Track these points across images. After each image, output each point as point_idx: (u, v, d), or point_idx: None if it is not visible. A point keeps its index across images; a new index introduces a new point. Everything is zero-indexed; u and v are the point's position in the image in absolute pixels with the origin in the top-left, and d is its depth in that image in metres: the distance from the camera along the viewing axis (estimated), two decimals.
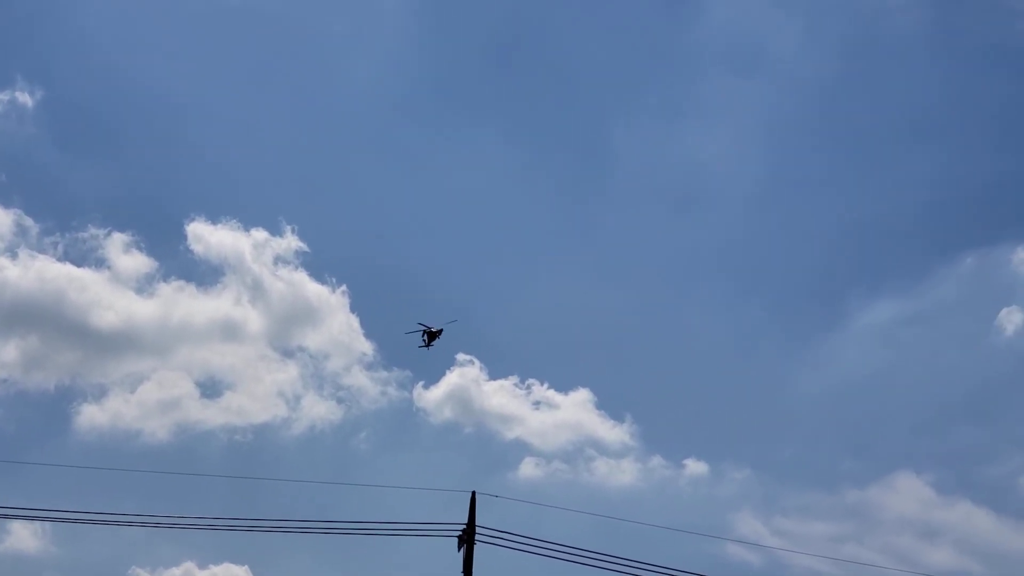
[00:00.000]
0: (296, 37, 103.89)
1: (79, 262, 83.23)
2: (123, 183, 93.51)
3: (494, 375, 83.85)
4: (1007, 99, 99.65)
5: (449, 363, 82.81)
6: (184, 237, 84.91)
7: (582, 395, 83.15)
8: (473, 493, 41.98)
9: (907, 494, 77.61)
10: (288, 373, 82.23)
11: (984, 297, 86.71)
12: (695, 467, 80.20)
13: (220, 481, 64.71)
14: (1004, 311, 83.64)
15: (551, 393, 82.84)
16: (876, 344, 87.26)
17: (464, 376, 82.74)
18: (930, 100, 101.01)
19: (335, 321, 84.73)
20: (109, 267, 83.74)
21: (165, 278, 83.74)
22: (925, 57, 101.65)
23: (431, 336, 67.96)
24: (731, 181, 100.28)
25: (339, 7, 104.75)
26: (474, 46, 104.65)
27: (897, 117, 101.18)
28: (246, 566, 66.89)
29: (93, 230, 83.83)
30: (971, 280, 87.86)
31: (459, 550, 41.53)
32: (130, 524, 43.34)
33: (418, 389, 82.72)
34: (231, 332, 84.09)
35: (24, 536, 71.85)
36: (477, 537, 41.66)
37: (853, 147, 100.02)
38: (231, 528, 43.71)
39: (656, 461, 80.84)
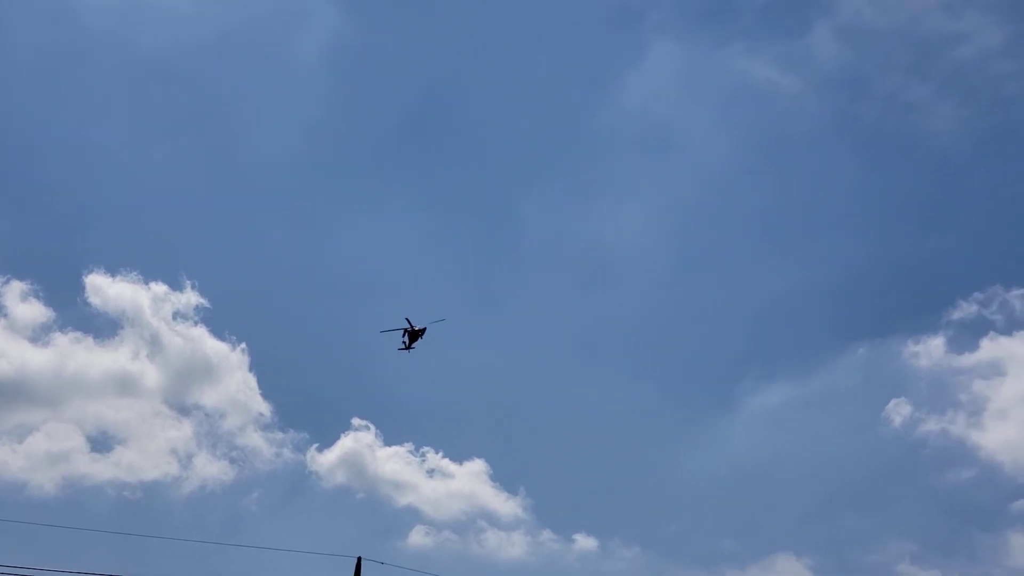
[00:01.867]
0: (210, 95, 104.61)
1: None
2: (24, 231, 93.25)
3: (389, 441, 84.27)
4: (905, 190, 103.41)
5: (344, 427, 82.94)
6: (82, 288, 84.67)
7: (477, 465, 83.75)
8: (359, 559, 42.29)
9: None
10: (182, 431, 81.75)
11: (874, 387, 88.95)
12: (584, 542, 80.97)
13: (107, 537, 63.77)
14: (893, 402, 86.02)
15: (446, 462, 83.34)
16: (766, 428, 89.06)
17: (359, 441, 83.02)
18: (830, 190, 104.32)
19: (233, 379, 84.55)
20: (5, 315, 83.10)
21: (61, 328, 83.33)
22: (826, 148, 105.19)
23: (412, 336, 67.03)
24: (635, 260, 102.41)
25: (256, 68, 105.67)
26: (390, 113, 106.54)
27: (798, 205, 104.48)
28: None
29: None
30: (862, 369, 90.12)
31: None
32: None
33: (312, 452, 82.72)
34: (126, 386, 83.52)
35: None
36: None
37: (755, 232, 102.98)
38: None
39: (546, 535, 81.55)
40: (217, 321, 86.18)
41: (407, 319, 67.62)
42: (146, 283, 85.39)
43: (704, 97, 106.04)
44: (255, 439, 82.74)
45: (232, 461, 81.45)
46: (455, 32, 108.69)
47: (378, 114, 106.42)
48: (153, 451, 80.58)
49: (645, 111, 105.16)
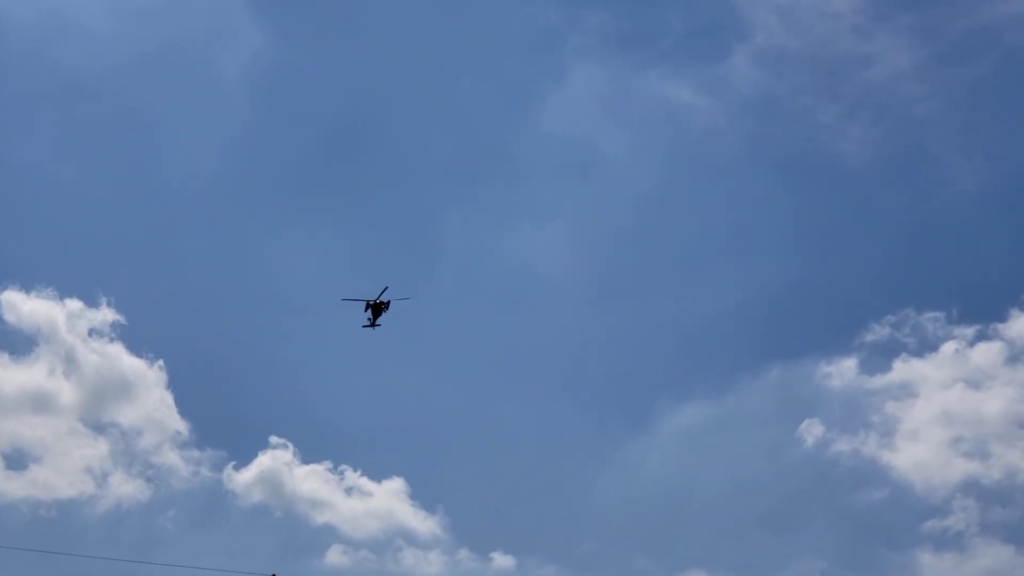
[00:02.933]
0: (131, 111, 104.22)
1: None
2: None
3: (307, 459, 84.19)
4: (818, 212, 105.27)
5: (262, 445, 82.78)
6: None
7: (396, 484, 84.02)
8: None
9: None
10: (98, 449, 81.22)
11: (787, 408, 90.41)
12: (502, 560, 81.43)
13: (21, 555, 63.38)
14: (805, 422, 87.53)
15: (364, 480, 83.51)
16: (681, 447, 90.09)
17: (276, 459, 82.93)
18: (747, 213, 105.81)
19: (150, 397, 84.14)
20: None
21: None
22: (743, 171, 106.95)
23: (376, 310, 65.52)
24: (555, 281, 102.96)
25: (177, 86, 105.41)
26: (311, 132, 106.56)
27: (716, 227, 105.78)
28: None
29: None
30: (776, 390, 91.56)
31: None
32: None
33: (228, 470, 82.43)
34: (42, 404, 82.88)
35: None
36: None
37: (673, 254, 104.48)
38: None
39: (464, 554, 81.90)
40: (134, 338, 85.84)
41: (370, 300, 66.22)
42: (61, 299, 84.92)
43: (625, 120, 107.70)
44: (172, 457, 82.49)
45: (148, 480, 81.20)
46: (377, 52, 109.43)
47: (300, 133, 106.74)
48: (68, 469, 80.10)
49: (566, 134, 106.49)
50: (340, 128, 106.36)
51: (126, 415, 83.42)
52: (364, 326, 66.42)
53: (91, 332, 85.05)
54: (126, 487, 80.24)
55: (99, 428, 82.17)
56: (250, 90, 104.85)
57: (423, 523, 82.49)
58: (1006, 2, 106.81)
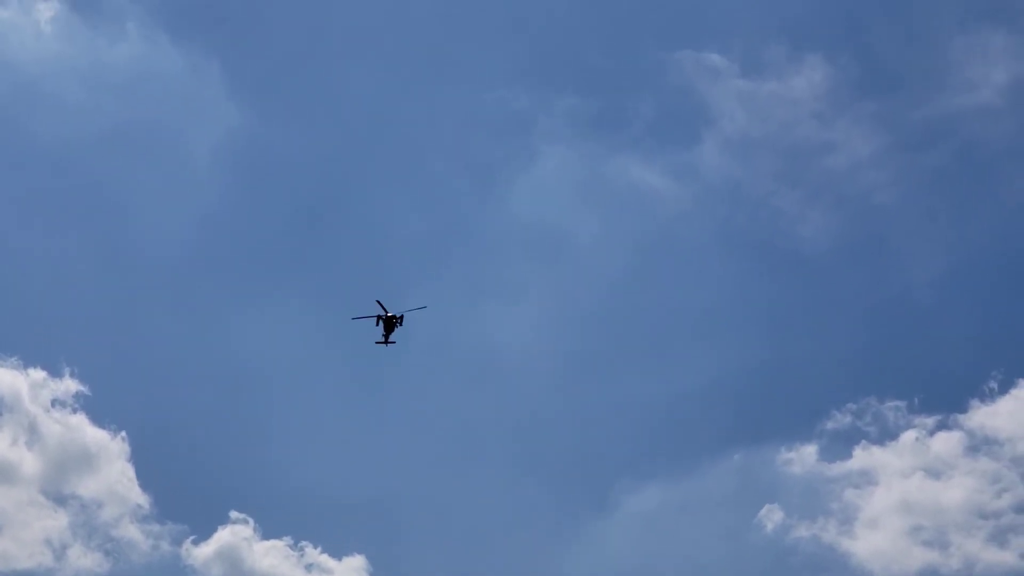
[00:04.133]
0: (102, 184, 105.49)
1: None
2: None
3: (267, 535, 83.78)
4: (783, 299, 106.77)
5: (222, 520, 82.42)
6: None
7: (357, 561, 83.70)
8: None
9: None
10: (58, 521, 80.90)
11: (748, 493, 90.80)
12: None
13: None
14: (766, 508, 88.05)
15: (324, 557, 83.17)
16: (642, 530, 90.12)
17: (236, 534, 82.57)
18: (713, 298, 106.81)
19: (112, 469, 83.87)
20: None
21: None
22: (710, 256, 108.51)
23: (388, 325, 62.71)
24: (521, 362, 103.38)
25: (149, 160, 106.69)
26: (281, 209, 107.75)
27: (682, 312, 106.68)
28: None
29: None
30: (737, 475, 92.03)
31: None
32: None
33: (187, 544, 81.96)
34: (3, 474, 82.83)
35: None
36: None
37: (639, 338, 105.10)
38: None
39: None
40: (97, 409, 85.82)
41: (378, 302, 63.11)
42: (25, 369, 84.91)
43: (594, 204, 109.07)
44: (131, 531, 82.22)
45: (107, 553, 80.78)
46: (351, 131, 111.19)
47: (271, 209, 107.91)
48: (28, 540, 79.71)
49: (536, 216, 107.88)
50: (311, 206, 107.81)
51: (87, 487, 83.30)
52: (377, 343, 63.87)
53: (54, 402, 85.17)
54: (84, 560, 79.86)
55: (60, 500, 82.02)
56: (223, 166, 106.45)
57: None
58: (965, 94, 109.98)
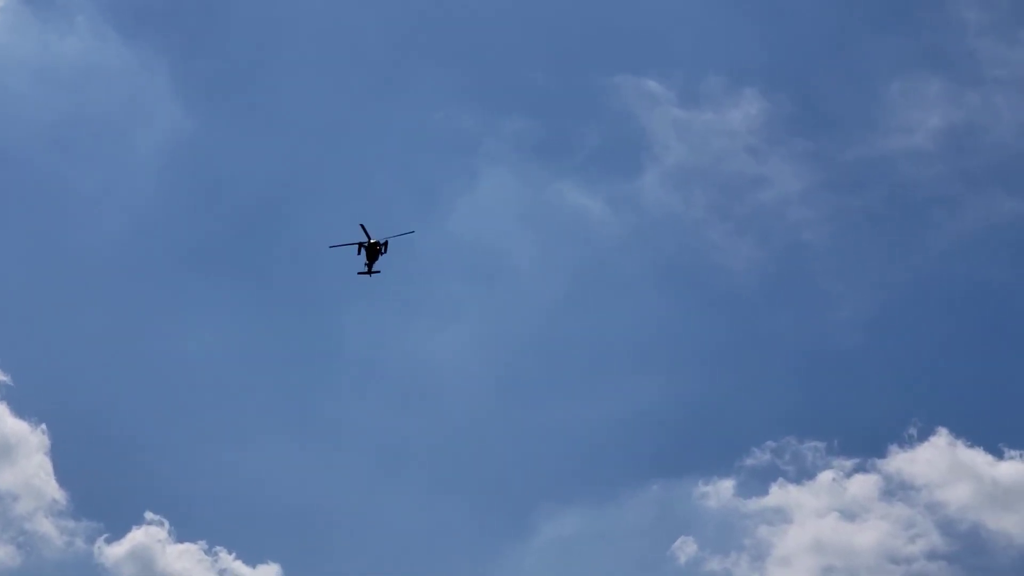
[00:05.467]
0: (40, 178, 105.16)
1: None
2: None
3: (181, 537, 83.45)
4: (710, 333, 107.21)
5: (137, 520, 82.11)
6: None
7: (271, 569, 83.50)
8: None
9: None
10: None
11: (664, 524, 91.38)
12: None
13: None
14: (680, 540, 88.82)
15: (238, 564, 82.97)
16: (558, 555, 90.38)
17: (150, 535, 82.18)
18: (644, 328, 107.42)
19: (30, 462, 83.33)
20: None
21: None
22: (644, 286, 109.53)
23: (371, 253, 59.49)
24: (452, 382, 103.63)
25: (92, 156, 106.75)
26: (219, 214, 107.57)
27: (613, 341, 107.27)
28: None
29: None
30: (654, 506, 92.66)
31: None
32: None
33: (100, 543, 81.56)
34: None
35: None
36: None
37: (569, 365, 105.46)
38: None
39: None
40: (18, 399, 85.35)
41: (362, 226, 59.13)
42: None
43: (534, 229, 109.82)
44: (46, 526, 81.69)
45: (19, 547, 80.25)
46: (294, 141, 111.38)
47: (208, 213, 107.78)
48: None
49: (475, 237, 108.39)
50: (251, 213, 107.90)
51: (3, 479, 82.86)
52: (360, 273, 60.73)
53: None
54: None
55: None
56: (165, 166, 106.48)
57: None
58: (899, 137, 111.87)
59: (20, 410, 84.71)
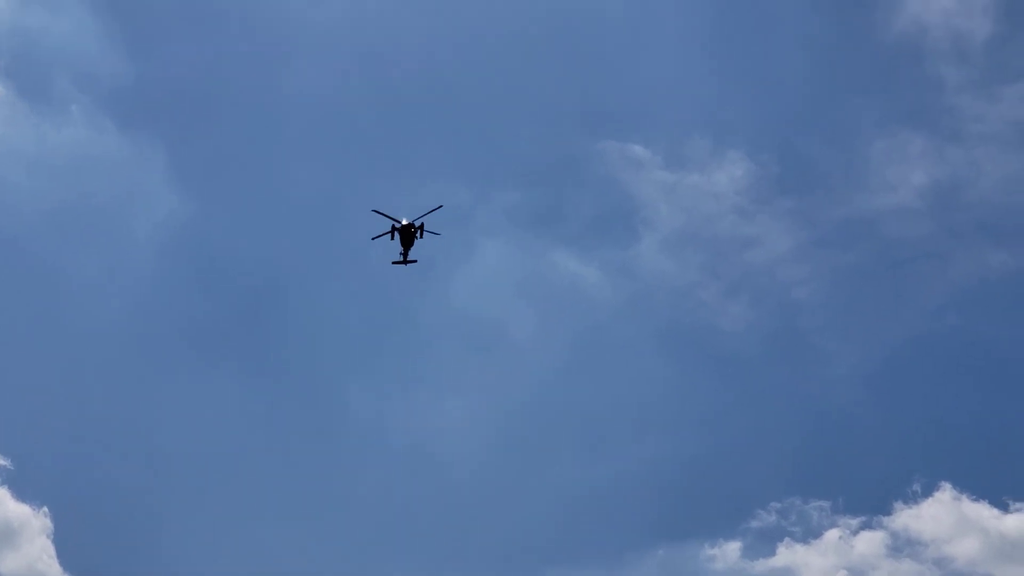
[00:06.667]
0: (40, 264, 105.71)
1: None
2: None
3: None
4: (713, 397, 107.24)
5: None
6: None
7: None
8: None
9: None
10: None
11: None
12: None
13: None
14: None
15: None
16: None
17: None
18: (645, 393, 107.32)
19: (33, 546, 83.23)
20: None
21: None
22: (640, 353, 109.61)
23: (406, 237, 54.42)
24: (454, 451, 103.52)
25: (90, 242, 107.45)
26: (220, 294, 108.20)
27: (614, 406, 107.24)
28: None
29: None
30: (660, 570, 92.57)
31: None
32: None
33: None
34: None
35: None
36: None
37: (570, 431, 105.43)
38: None
39: None
40: (20, 483, 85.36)
41: (377, 211, 52.78)
42: None
43: (532, 299, 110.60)
44: None
45: None
46: (291, 220, 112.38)
47: (206, 296, 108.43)
48: None
49: (473, 309, 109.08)
50: (249, 294, 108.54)
51: (6, 563, 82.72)
52: (395, 263, 56.19)
53: None
54: None
55: None
56: (161, 252, 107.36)
57: None
58: (883, 193, 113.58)
59: (22, 494, 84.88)
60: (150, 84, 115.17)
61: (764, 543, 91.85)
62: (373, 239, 58.04)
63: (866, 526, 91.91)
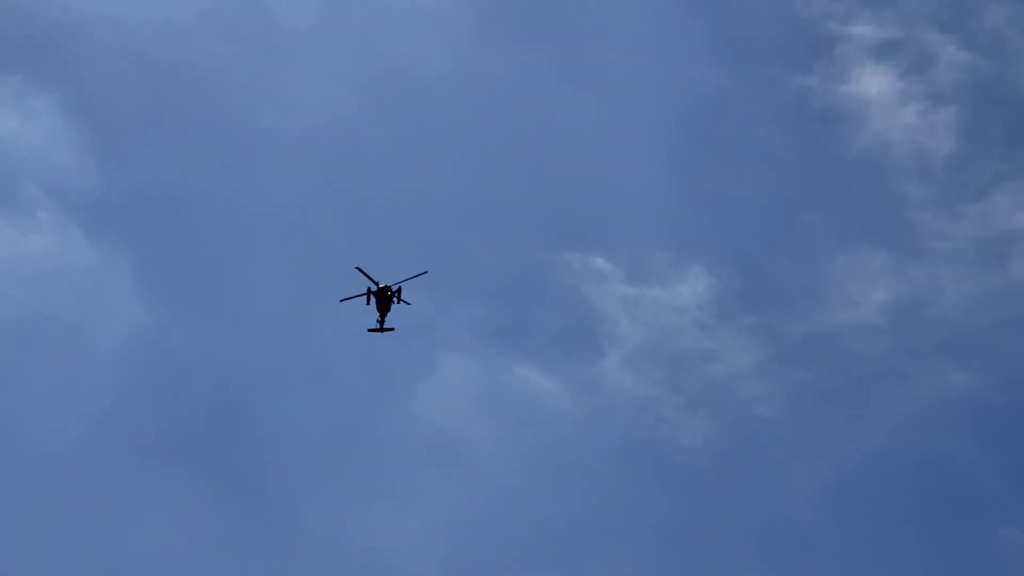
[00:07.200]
0: (2, 375, 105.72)
1: None
2: None
3: None
4: (673, 516, 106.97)
5: None
6: None
7: None
8: None
9: None
10: None
11: None
12: None
13: None
14: None
15: None
16: None
17: None
18: (601, 510, 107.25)
19: None
20: None
21: None
22: (603, 469, 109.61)
23: (382, 301, 50.24)
24: (417, 563, 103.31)
25: (54, 352, 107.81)
26: (184, 408, 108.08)
27: (576, 522, 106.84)
28: None
29: None
30: None
31: None
32: None
33: None
34: None
35: None
36: None
37: (526, 547, 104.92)
38: None
39: None
40: None
41: (359, 269, 48.46)
42: None
43: (493, 413, 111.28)
44: None
45: None
46: (254, 335, 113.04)
47: (169, 409, 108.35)
48: None
49: (434, 422, 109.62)
50: (212, 407, 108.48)
51: None
52: (371, 330, 53.26)
53: None
54: None
55: None
56: (125, 363, 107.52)
57: None
58: (844, 310, 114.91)
59: None
60: (119, 193, 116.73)
61: None
62: (342, 301, 55.42)
63: None
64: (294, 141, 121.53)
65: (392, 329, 56.24)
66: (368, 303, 51.88)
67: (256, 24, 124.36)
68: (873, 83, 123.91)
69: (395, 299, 53.58)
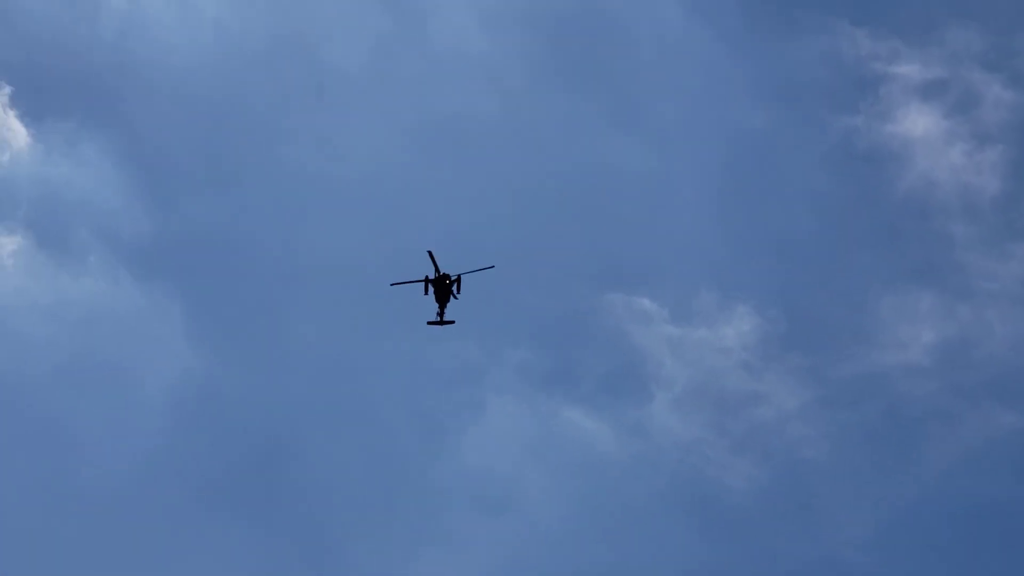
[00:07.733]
0: (50, 417, 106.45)
1: None
2: None
3: None
4: (721, 560, 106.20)
5: None
6: None
7: None
8: None
9: None
10: None
11: None
12: None
13: None
14: None
15: None
16: None
17: None
18: (656, 555, 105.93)
19: None
20: None
21: None
22: (652, 514, 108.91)
23: (441, 290, 46.74)
24: None
25: (105, 395, 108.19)
26: (233, 453, 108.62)
27: (627, 568, 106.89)
28: None
29: None
30: None
31: None
32: None
33: None
34: None
35: None
36: None
37: None
38: None
39: None
40: None
41: (429, 253, 44.69)
42: None
43: (543, 459, 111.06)
44: None
45: None
46: (303, 380, 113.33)
47: (218, 453, 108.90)
48: None
49: (483, 468, 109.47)
50: (261, 452, 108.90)
51: None
52: (430, 323, 49.91)
53: None
54: None
55: None
56: (175, 408, 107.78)
57: None
58: (891, 351, 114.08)
59: None
60: (169, 237, 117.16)
61: None
62: (392, 285, 51.86)
63: None
64: (344, 186, 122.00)
65: (452, 322, 53.70)
66: (426, 293, 47.11)
67: (306, 68, 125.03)
68: (919, 123, 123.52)
69: (454, 292, 49.98)
